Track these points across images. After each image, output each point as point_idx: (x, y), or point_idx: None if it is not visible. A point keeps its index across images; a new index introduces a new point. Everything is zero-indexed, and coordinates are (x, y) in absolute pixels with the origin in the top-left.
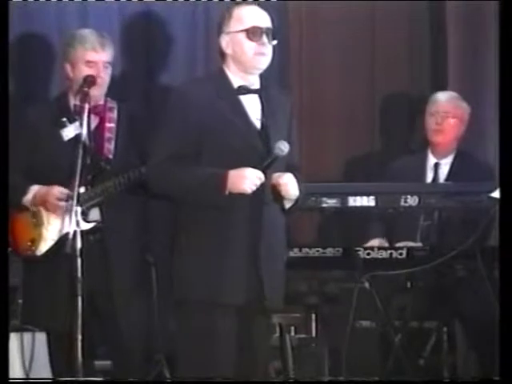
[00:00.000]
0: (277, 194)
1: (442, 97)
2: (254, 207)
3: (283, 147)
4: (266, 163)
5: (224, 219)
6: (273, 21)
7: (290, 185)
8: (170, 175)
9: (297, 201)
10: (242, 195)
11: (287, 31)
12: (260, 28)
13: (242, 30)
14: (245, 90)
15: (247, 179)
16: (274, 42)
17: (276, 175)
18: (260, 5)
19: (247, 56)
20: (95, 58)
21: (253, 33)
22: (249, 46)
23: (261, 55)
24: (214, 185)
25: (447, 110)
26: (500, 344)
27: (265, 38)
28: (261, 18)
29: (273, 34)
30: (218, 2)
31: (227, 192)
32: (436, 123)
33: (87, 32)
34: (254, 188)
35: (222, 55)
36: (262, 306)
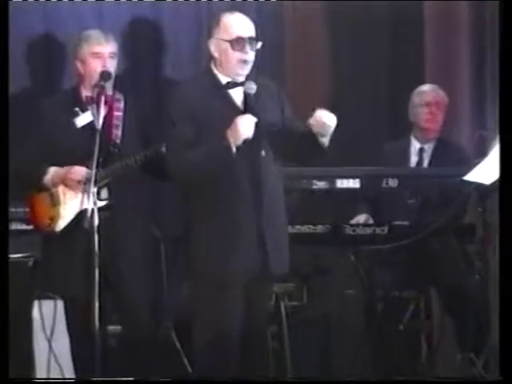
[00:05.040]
0: (316, 133)
1: (430, 88)
2: (254, 182)
3: (252, 85)
4: (249, 107)
5: (229, 197)
6: (256, 27)
7: (325, 117)
8: (184, 158)
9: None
10: (247, 141)
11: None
12: (243, 38)
13: (227, 40)
14: (232, 85)
15: (242, 126)
16: (258, 46)
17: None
18: (245, 11)
19: (231, 63)
20: (100, 50)
21: (237, 43)
22: (232, 55)
23: (243, 63)
24: (220, 148)
25: (438, 101)
26: (500, 344)
27: (248, 47)
28: (245, 28)
29: (256, 40)
30: (220, 2)
31: (234, 147)
32: (430, 112)
33: (91, 31)
34: (253, 130)
35: (211, 56)
36: (268, 273)
